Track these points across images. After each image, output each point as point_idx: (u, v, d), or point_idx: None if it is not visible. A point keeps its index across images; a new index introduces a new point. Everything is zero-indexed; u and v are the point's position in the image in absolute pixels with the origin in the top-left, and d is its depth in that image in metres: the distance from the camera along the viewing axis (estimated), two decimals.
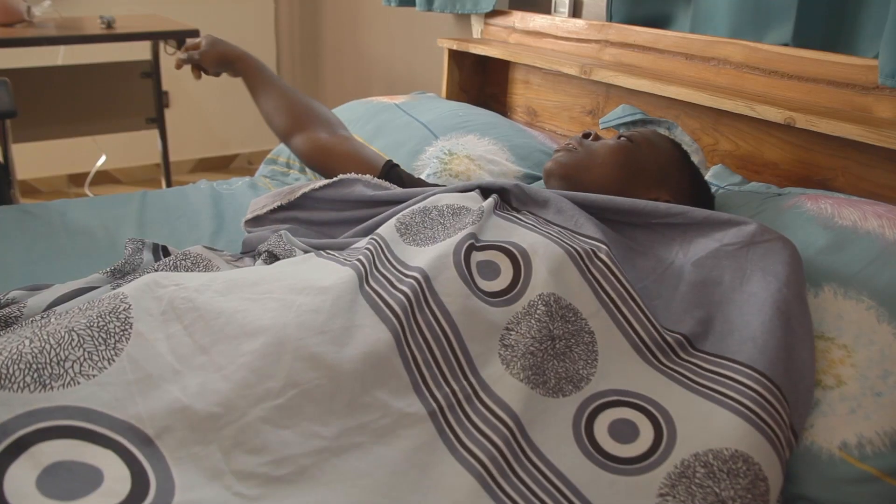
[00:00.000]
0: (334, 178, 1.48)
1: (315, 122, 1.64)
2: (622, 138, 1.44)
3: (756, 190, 1.52)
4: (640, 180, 1.38)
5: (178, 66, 1.71)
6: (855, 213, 1.27)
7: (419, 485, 0.92)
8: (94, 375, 0.91)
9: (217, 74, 1.71)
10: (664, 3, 2.01)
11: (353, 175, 1.48)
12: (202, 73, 1.71)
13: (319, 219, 1.48)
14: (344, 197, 1.46)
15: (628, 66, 1.98)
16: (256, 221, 1.52)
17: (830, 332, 1.14)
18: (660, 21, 2.03)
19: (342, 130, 1.66)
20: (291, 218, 1.49)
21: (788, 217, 1.31)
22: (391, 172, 1.56)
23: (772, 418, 1.00)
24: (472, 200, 1.29)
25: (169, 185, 3.52)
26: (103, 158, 3.84)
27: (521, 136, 1.98)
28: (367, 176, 1.48)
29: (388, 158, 1.59)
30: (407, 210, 1.27)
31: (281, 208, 1.50)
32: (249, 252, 1.44)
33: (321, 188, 1.48)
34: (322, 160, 1.60)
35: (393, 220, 1.24)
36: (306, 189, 1.49)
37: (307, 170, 2.13)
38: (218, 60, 1.68)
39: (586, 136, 1.47)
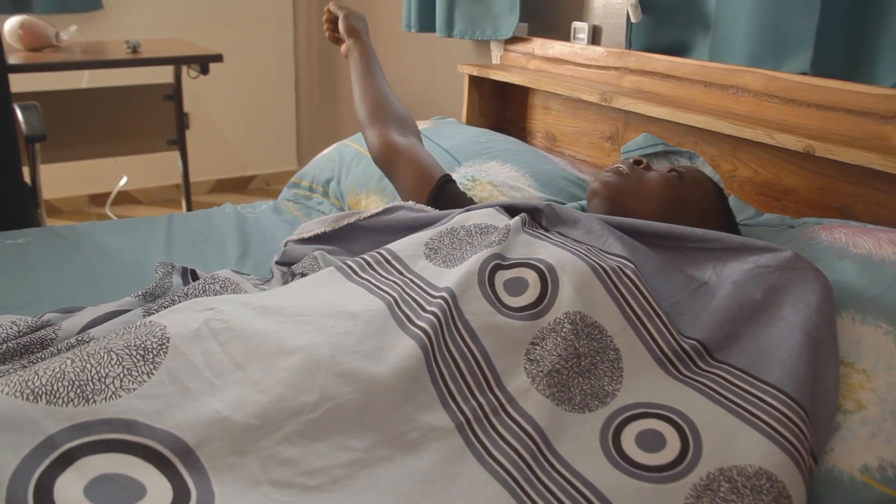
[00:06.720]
0: (379, 209, 1.49)
1: (393, 121, 1.70)
2: (673, 171, 1.45)
3: (769, 223, 1.54)
4: (681, 218, 1.38)
5: (328, 10, 1.88)
6: (869, 242, 1.29)
7: (448, 493, 0.95)
8: (134, 389, 0.94)
9: (337, 38, 1.89)
10: (683, 31, 2.04)
11: (397, 203, 1.49)
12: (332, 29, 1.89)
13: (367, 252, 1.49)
14: (387, 223, 1.46)
15: (647, 94, 2.00)
16: (301, 244, 1.52)
17: (850, 357, 1.15)
18: (679, 49, 2.05)
19: (414, 137, 1.71)
20: (342, 250, 1.48)
21: (804, 249, 1.33)
22: (445, 187, 1.58)
23: (797, 440, 1.01)
24: (499, 219, 1.31)
25: (189, 205, 3.57)
26: (125, 179, 3.89)
27: (542, 163, 2.00)
28: (410, 202, 1.49)
29: (445, 172, 1.62)
30: (434, 233, 1.30)
31: (326, 235, 1.50)
32: (285, 264, 1.46)
33: (366, 218, 1.49)
34: (387, 157, 1.65)
35: (422, 247, 1.26)
36: (352, 220, 1.50)
37: (330, 194, 2.16)
38: (346, 29, 1.83)
39: (637, 163, 1.48)
